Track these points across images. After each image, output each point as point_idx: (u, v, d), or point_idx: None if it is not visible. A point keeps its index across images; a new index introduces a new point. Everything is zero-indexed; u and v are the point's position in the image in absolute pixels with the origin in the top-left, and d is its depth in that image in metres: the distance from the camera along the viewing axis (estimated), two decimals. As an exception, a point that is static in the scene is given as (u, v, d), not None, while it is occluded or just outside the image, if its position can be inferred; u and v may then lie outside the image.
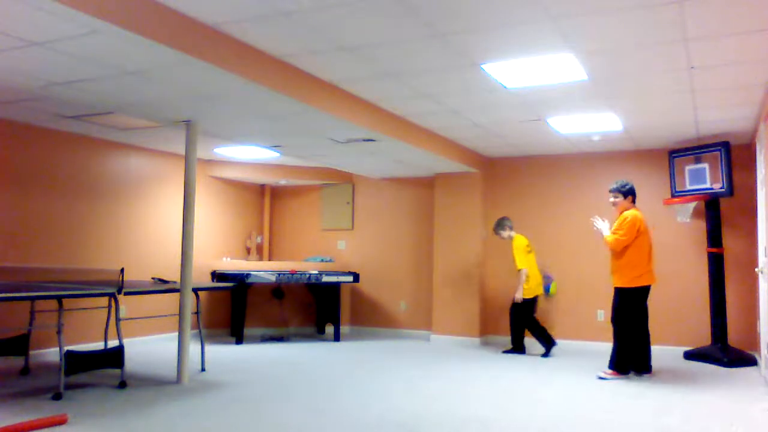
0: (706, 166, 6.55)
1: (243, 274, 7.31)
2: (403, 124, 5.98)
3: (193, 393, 4.75)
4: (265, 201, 9.14)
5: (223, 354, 6.59)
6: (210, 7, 3.45)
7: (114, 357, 4.86)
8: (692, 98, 5.14)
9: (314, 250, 8.95)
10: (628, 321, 5.49)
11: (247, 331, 7.94)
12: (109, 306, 5.82)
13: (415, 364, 6.15)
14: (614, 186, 5.69)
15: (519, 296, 6.70)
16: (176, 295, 6.03)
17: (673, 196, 6.87)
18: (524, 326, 6.83)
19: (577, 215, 7.37)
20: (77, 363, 4.64)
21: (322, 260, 8.53)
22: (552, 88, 4.89)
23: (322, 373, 5.62)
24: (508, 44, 3.95)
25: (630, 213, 5.53)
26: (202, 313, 6.69)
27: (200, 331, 5.76)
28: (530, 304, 6.78)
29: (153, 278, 6.58)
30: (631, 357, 5.52)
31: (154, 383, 5.06)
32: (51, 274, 6.05)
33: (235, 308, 7.62)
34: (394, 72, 4.55)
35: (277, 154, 7.34)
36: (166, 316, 6.98)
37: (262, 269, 7.87)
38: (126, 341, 5.52)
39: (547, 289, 7.10)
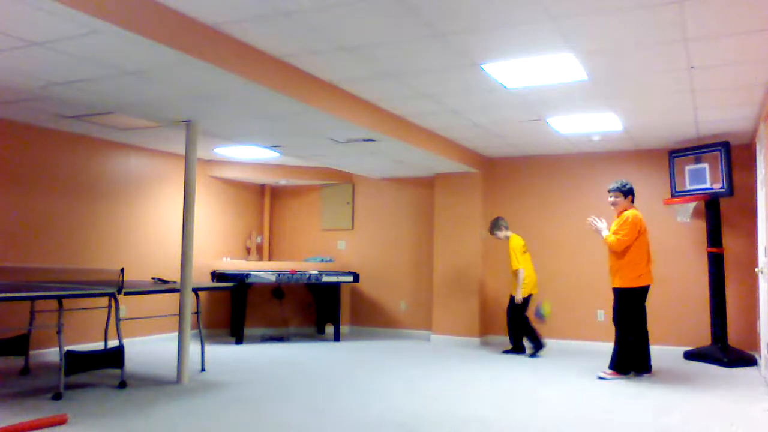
0: (706, 166, 6.55)
1: (243, 274, 7.31)
2: (403, 124, 5.98)
3: (193, 393, 4.75)
4: (265, 201, 9.14)
5: (223, 354, 6.59)
6: (210, 7, 3.45)
7: (114, 357, 4.86)
8: (692, 98, 5.14)
9: (314, 250, 8.95)
10: (630, 322, 5.49)
11: (247, 331, 7.94)
12: (109, 306, 5.82)
13: (415, 364, 6.15)
14: (615, 186, 5.67)
15: (519, 296, 6.70)
16: (176, 295, 6.04)
17: (673, 196, 6.87)
18: (516, 324, 6.80)
19: (577, 215, 7.36)
20: (77, 363, 4.64)
21: (322, 260, 8.53)
22: (552, 88, 4.89)
23: (322, 373, 5.62)
24: (508, 44, 3.95)
25: (631, 213, 5.52)
26: (202, 313, 6.69)
27: (200, 331, 5.76)
28: (524, 303, 6.78)
29: (153, 278, 6.58)
30: (631, 357, 5.52)
31: (154, 383, 5.05)
32: (51, 274, 6.05)
33: (235, 308, 7.62)
34: (394, 72, 4.55)
35: (277, 154, 7.34)
36: (166, 316, 6.99)
37: (262, 269, 7.87)
38: (126, 341, 5.52)
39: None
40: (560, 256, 7.54)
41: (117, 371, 4.99)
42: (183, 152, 6.07)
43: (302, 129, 5.57)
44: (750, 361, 6.21)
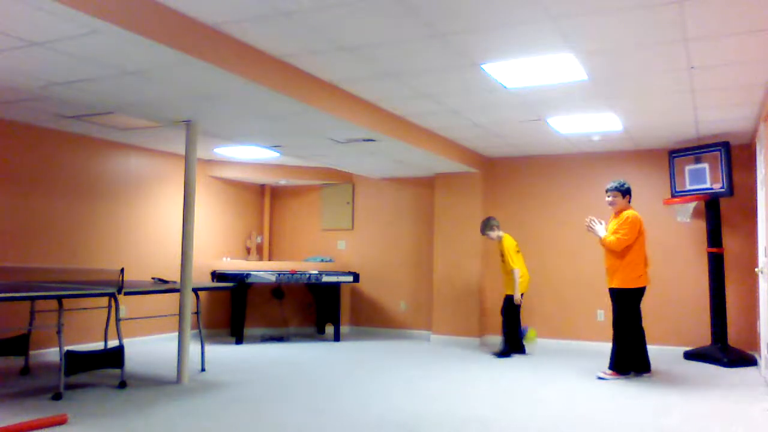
0: (706, 166, 6.55)
1: (243, 274, 7.31)
2: (403, 124, 5.98)
3: (193, 393, 4.75)
4: (265, 201, 9.14)
5: (223, 354, 6.59)
6: (210, 7, 3.45)
7: (114, 357, 4.86)
8: (692, 98, 5.14)
9: (314, 250, 8.95)
10: (629, 322, 5.49)
11: (247, 331, 7.95)
12: (109, 306, 5.82)
13: (415, 364, 6.15)
14: (613, 185, 5.66)
15: (518, 296, 6.69)
16: (176, 295, 6.05)
17: (673, 196, 6.87)
18: (513, 324, 6.79)
19: (577, 215, 7.36)
20: (77, 363, 4.64)
21: (322, 260, 8.53)
22: (552, 88, 4.89)
23: (322, 373, 5.62)
24: (508, 44, 3.95)
25: (630, 213, 5.52)
26: (202, 313, 6.70)
27: (200, 331, 5.75)
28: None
29: (153, 278, 6.58)
30: (630, 357, 5.52)
31: (154, 383, 5.06)
32: (51, 274, 6.05)
33: (235, 308, 7.62)
34: (394, 72, 4.55)
35: (277, 154, 7.34)
36: (166, 316, 6.99)
37: (262, 269, 7.88)
38: (126, 341, 5.52)
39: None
40: (560, 256, 7.54)
41: (117, 371, 4.99)
42: (183, 152, 6.07)
43: (302, 129, 5.57)
44: (750, 361, 6.21)
